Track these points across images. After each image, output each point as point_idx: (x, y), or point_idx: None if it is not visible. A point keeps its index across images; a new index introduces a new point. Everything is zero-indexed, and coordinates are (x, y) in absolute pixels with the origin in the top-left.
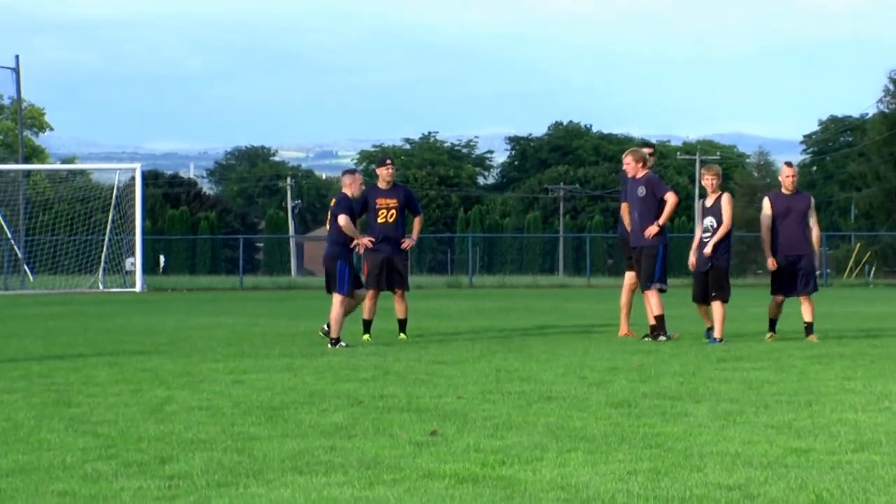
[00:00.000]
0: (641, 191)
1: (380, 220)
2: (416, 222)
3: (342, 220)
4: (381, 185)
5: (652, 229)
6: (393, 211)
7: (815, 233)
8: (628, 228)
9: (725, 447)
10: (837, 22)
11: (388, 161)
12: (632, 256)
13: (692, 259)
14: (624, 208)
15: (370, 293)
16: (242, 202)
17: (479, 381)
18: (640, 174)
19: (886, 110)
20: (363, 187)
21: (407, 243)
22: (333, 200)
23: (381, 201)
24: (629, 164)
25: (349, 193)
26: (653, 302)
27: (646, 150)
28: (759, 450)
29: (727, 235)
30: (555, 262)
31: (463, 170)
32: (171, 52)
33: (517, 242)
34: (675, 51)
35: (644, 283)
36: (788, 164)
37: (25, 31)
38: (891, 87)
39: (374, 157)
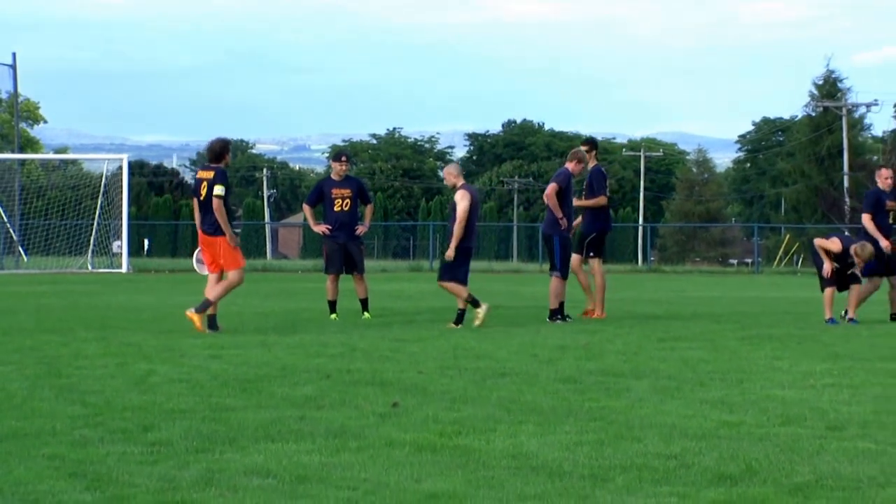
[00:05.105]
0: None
1: (335, 209)
2: (368, 210)
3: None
4: (335, 177)
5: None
6: (347, 200)
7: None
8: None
9: (664, 420)
10: (774, 31)
11: (344, 157)
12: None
13: None
14: None
15: (331, 277)
16: None
17: (438, 357)
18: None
19: (812, 113)
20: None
21: (361, 230)
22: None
23: (335, 191)
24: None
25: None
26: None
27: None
28: (694, 423)
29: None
30: (509, 249)
31: (425, 163)
32: (158, 50)
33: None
34: (622, 56)
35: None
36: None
37: (23, 30)
38: (815, 92)
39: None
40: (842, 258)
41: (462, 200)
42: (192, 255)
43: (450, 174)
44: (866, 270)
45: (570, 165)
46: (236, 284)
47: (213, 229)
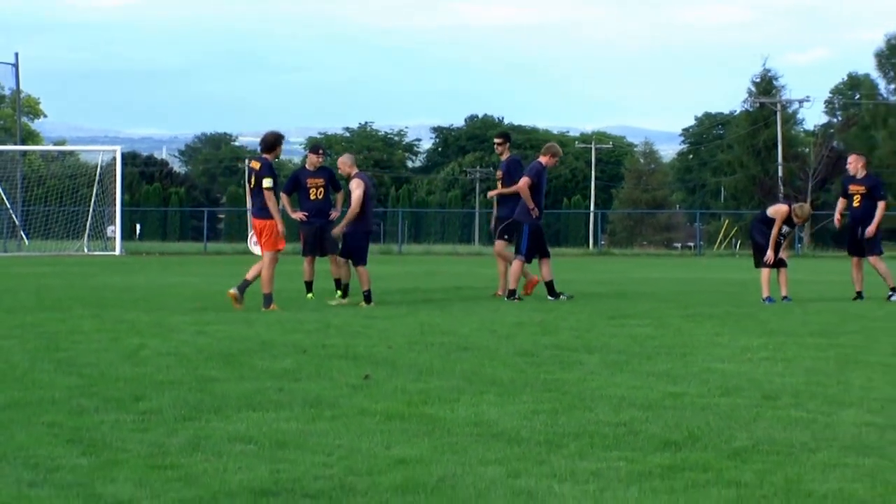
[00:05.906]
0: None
1: (311, 197)
2: (339, 197)
3: None
4: (309, 167)
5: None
6: (321, 188)
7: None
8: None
9: (613, 391)
10: (714, 33)
11: (320, 150)
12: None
13: None
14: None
15: (307, 259)
16: (207, 180)
17: (407, 333)
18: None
19: (750, 109)
20: None
21: (334, 215)
22: None
23: (310, 181)
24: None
25: None
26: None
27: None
28: (641, 393)
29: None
30: (471, 234)
31: (395, 155)
32: (150, 51)
33: (440, 216)
34: (576, 56)
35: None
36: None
37: (24, 31)
38: (753, 89)
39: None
40: (788, 220)
41: (357, 189)
42: (179, 239)
43: (344, 164)
44: (855, 249)
45: (543, 159)
46: (269, 265)
47: (261, 214)
